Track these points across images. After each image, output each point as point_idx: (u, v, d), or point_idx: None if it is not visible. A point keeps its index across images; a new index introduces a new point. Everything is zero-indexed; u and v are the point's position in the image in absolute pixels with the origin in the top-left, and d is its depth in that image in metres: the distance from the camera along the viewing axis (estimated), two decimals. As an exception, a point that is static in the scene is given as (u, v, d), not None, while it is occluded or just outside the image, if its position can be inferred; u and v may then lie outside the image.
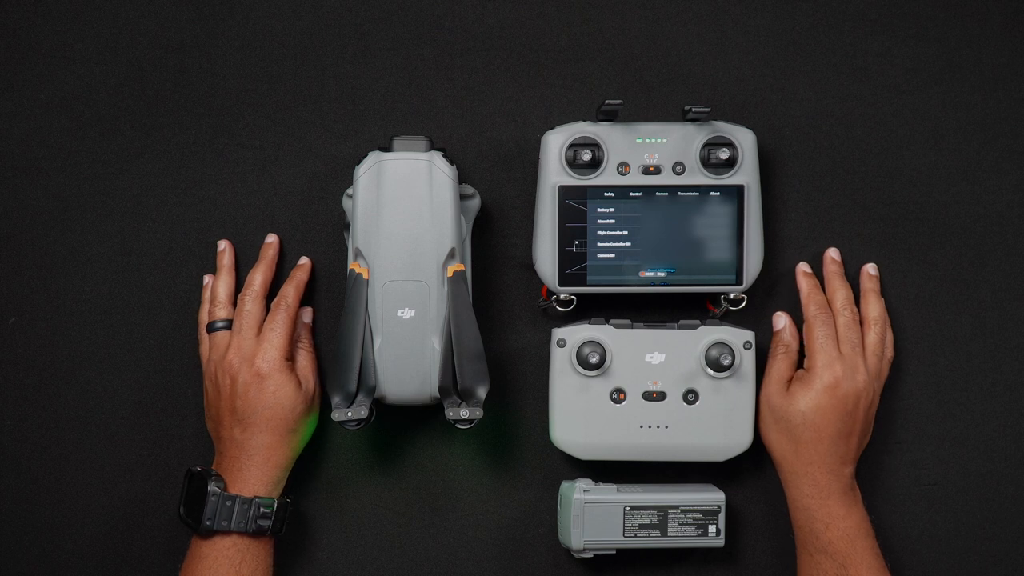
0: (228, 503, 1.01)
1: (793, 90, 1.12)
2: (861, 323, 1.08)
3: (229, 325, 1.08)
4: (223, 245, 1.11)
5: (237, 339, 1.05)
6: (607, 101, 1.02)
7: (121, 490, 1.11)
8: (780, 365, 1.08)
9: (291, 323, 1.06)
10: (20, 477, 1.11)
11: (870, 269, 1.11)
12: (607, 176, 1.06)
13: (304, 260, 1.11)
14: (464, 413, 1.02)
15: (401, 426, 1.12)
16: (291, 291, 1.08)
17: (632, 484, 1.09)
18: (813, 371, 1.05)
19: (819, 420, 1.04)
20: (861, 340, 1.07)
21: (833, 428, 1.04)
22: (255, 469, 1.03)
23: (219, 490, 1.01)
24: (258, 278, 1.08)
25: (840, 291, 1.08)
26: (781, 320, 1.10)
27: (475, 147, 1.12)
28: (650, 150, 1.06)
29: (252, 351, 1.04)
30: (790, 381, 1.07)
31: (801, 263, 1.11)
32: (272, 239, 1.11)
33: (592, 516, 1.06)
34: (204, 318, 1.10)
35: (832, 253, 1.11)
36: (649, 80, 1.12)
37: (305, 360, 1.08)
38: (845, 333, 1.06)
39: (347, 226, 1.08)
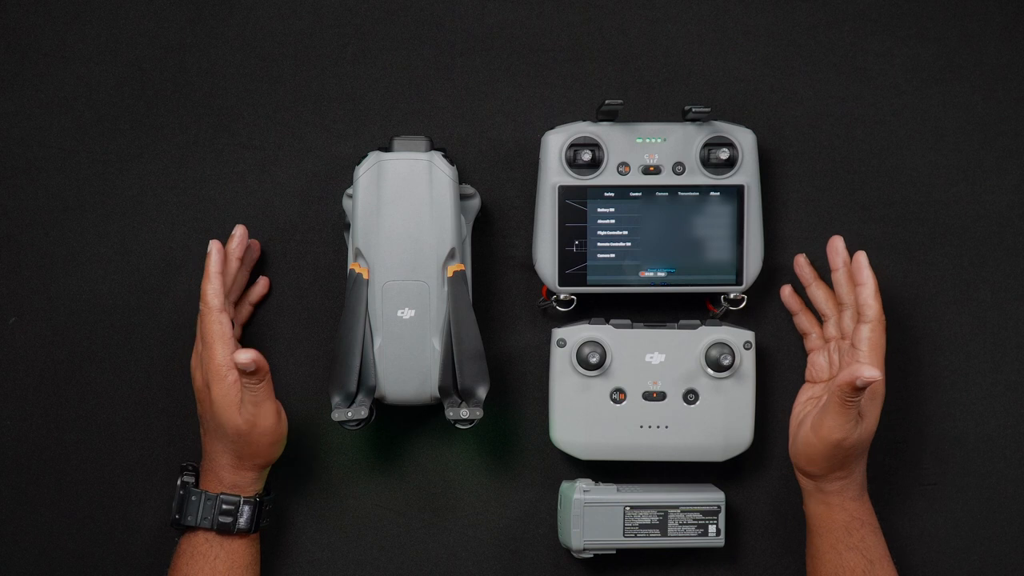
0: (194, 498, 1.01)
1: (793, 90, 1.12)
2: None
3: None
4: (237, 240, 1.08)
5: (196, 345, 1.05)
6: (607, 101, 1.02)
7: (121, 490, 1.11)
8: (850, 413, 0.99)
9: (224, 334, 1.00)
10: (20, 477, 1.11)
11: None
12: (607, 176, 1.06)
13: (216, 249, 1.03)
14: (464, 413, 1.02)
15: (401, 426, 1.12)
16: (209, 296, 1.01)
17: (632, 484, 1.09)
18: (869, 396, 1.01)
19: (870, 437, 1.03)
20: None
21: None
22: (223, 470, 1.02)
23: (189, 484, 1.02)
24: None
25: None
26: (868, 380, 0.96)
27: (475, 147, 1.12)
28: (650, 150, 1.06)
29: (197, 363, 1.04)
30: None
31: (861, 254, 1.03)
32: (212, 247, 1.03)
33: (592, 516, 1.06)
34: None
35: (860, 256, 1.03)
36: (649, 80, 1.12)
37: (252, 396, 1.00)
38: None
39: (347, 226, 1.08)
